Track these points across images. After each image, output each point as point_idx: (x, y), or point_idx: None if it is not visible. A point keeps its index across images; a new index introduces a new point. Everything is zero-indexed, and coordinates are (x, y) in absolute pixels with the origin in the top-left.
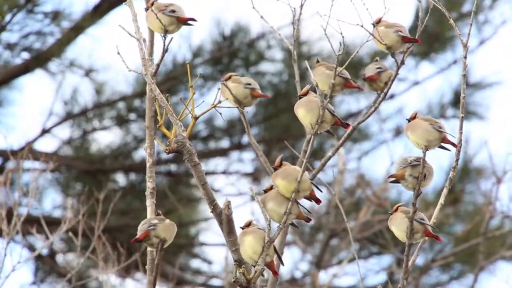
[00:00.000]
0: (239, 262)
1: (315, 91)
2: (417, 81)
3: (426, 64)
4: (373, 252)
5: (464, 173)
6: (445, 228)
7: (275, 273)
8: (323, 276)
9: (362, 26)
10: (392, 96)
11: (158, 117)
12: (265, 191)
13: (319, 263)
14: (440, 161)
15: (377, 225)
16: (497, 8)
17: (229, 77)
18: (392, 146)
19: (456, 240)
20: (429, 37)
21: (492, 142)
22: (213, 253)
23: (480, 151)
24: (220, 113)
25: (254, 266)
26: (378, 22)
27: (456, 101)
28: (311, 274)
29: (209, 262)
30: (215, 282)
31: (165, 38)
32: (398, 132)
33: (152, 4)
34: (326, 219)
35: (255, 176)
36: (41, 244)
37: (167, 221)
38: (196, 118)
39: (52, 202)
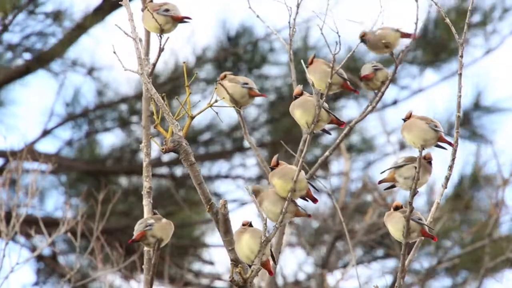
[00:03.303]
0: (236, 261)
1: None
2: (422, 88)
3: (433, 75)
4: (378, 256)
5: (474, 181)
6: (454, 235)
7: (270, 272)
8: (330, 279)
9: (359, 25)
10: (395, 102)
11: (155, 117)
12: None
13: (324, 265)
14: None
15: (383, 227)
16: (507, 19)
17: (224, 76)
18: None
19: (463, 245)
20: (435, 47)
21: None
22: (218, 254)
23: (490, 160)
24: (217, 113)
25: (250, 266)
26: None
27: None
28: (319, 274)
29: (211, 263)
30: (219, 283)
31: (161, 38)
32: (404, 145)
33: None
34: (332, 221)
35: (259, 181)
36: (42, 245)
37: (164, 220)
38: (192, 117)
39: (54, 203)
